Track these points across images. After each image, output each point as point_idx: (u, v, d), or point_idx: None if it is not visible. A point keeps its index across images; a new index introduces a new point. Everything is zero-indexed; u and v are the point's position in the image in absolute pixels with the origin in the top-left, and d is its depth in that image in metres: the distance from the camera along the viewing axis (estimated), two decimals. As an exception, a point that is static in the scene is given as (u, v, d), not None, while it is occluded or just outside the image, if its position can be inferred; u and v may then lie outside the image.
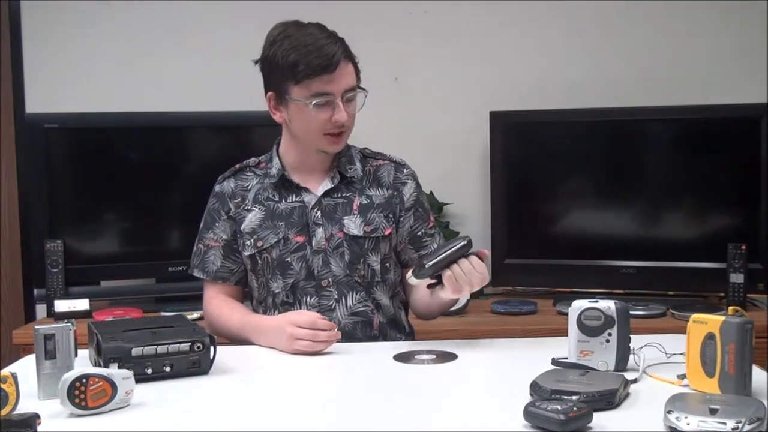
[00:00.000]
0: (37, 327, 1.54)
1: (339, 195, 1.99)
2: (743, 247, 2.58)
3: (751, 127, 2.65)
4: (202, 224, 2.07)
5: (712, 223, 2.78)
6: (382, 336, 1.96)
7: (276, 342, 1.81)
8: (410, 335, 2.07)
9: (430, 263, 1.71)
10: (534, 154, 2.92)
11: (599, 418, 1.30)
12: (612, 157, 2.87)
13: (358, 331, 1.94)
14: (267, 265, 1.97)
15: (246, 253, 1.99)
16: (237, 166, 2.08)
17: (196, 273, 2.06)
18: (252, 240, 1.97)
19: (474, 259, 1.73)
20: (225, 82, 2.93)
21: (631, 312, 1.71)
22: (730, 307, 1.49)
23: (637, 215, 2.84)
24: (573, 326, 1.61)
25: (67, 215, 2.75)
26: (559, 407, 1.27)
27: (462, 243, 1.72)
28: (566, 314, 1.66)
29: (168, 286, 2.82)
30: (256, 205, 2.00)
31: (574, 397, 1.35)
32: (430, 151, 2.85)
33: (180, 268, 2.77)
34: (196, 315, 2.56)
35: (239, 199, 2.02)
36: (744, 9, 2.94)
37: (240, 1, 2.99)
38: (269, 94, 1.95)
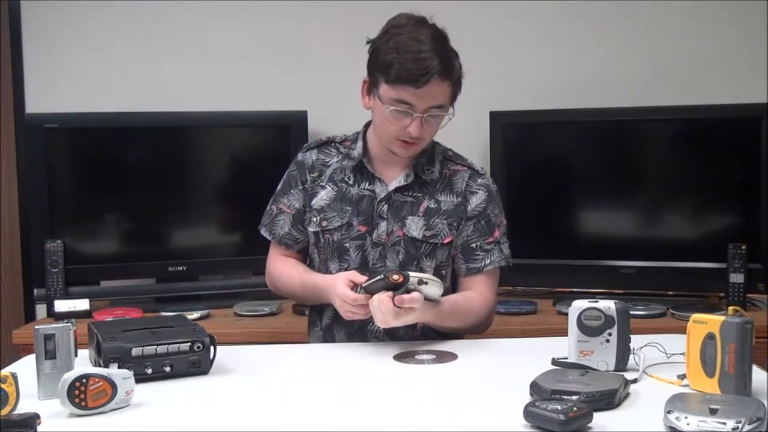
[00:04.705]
0: (37, 327, 1.54)
1: (410, 193, 1.97)
2: (743, 247, 2.58)
3: (751, 127, 2.65)
4: (279, 186, 2.08)
5: (712, 223, 2.78)
6: (423, 338, 1.94)
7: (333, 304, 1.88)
8: None
9: (362, 286, 1.78)
10: (534, 154, 2.91)
11: (599, 418, 1.31)
12: (612, 157, 2.86)
13: (400, 329, 1.89)
14: (327, 246, 1.98)
15: (311, 229, 2.00)
16: (324, 138, 2.08)
17: (263, 232, 2.08)
18: (318, 218, 1.99)
19: (385, 298, 1.72)
20: (225, 82, 2.92)
21: (631, 312, 1.71)
22: (730, 307, 1.49)
23: (637, 215, 2.84)
24: (573, 326, 1.61)
25: (67, 215, 2.75)
26: (559, 407, 1.27)
27: (378, 277, 1.74)
28: (566, 314, 1.66)
29: (168, 286, 2.82)
30: (330, 184, 2.00)
31: (574, 397, 1.35)
32: (430, 151, 2.84)
33: (180, 268, 2.78)
34: (196, 315, 2.56)
35: (317, 174, 2.02)
36: (744, 9, 2.94)
37: (240, 1, 2.98)
38: (365, 78, 1.94)
